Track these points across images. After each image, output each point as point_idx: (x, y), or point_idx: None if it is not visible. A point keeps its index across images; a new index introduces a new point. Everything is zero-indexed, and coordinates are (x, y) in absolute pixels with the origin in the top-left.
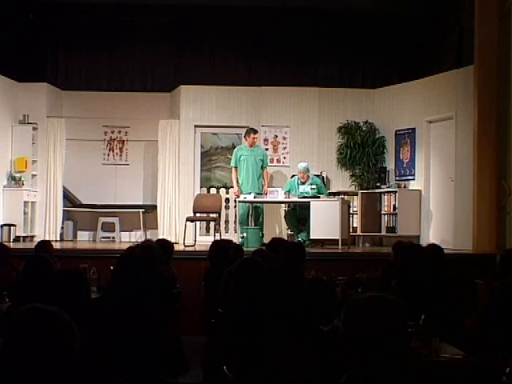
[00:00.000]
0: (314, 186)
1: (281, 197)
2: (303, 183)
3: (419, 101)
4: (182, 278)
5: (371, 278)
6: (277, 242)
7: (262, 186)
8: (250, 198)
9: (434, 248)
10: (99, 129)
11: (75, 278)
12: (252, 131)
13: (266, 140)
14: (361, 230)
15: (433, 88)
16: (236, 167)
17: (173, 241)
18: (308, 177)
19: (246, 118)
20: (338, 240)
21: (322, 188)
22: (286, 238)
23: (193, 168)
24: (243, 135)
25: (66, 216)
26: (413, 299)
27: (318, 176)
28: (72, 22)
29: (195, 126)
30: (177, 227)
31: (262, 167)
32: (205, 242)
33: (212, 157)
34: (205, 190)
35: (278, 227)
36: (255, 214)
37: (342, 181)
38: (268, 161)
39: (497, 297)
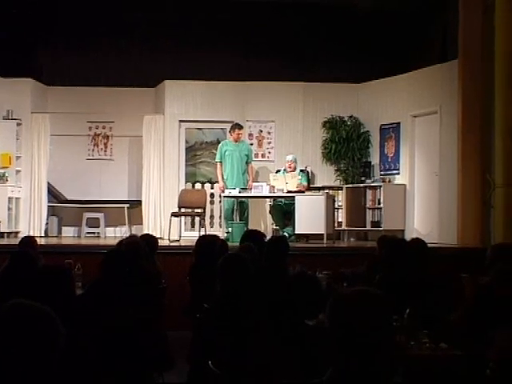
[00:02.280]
0: (299, 177)
1: (266, 191)
2: (289, 173)
3: (404, 95)
4: (167, 273)
5: (356, 273)
6: (252, 234)
7: (246, 181)
8: (235, 192)
9: (418, 242)
10: (84, 124)
11: (60, 274)
12: (237, 127)
13: (250, 135)
14: (346, 224)
15: (417, 82)
16: (221, 162)
17: (158, 236)
18: (295, 168)
19: (231, 112)
20: (323, 235)
21: (306, 180)
22: (271, 232)
23: (177, 163)
24: (228, 130)
25: (51, 212)
26: (397, 294)
27: (302, 171)
28: (57, 17)
29: (180, 121)
30: (162, 222)
31: (247, 162)
32: (190, 237)
33: (197, 152)
34: (190, 185)
35: (263, 222)
36: (240, 209)
37: (326, 175)
38: (253, 156)
39: (484, 291)
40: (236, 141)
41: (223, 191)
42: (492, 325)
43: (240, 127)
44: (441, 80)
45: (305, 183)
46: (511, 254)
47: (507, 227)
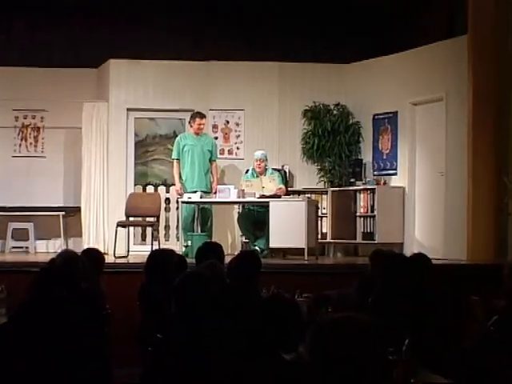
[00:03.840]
0: (273, 178)
1: (233, 196)
2: (259, 175)
3: (402, 78)
4: (112, 297)
5: (343, 295)
6: (209, 248)
7: (210, 182)
8: (196, 197)
9: (419, 258)
10: (9, 113)
11: None
12: (198, 115)
13: (215, 127)
14: (331, 236)
15: (418, 63)
16: (178, 160)
17: (101, 250)
18: (266, 168)
19: (191, 99)
20: (303, 249)
21: (281, 182)
22: (239, 246)
23: (125, 161)
24: (188, 121)
25: None
26: (394, 320)
27: (278, 170)
28: None
29: (128, 110)
30: (105, 234)
31: (211, 160)
32: (140, 252)
33: (149, 147)
34: (140, 189)
35: (230, 233)
36: (202, 217)
37: (308, 176)
38: (217, 152)
39: (499, 317)
40: (197, 133)
41: (181, 195)
42: (509, 360)
43: (202, 116)
44: (447, 60)
45: (281, 186)
46: None
47: None
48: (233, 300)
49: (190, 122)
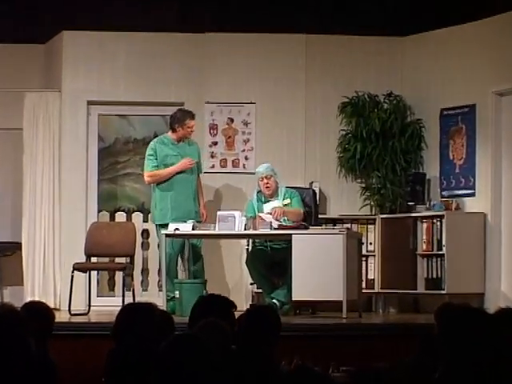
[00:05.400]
0: (288, 201)
1: (239, 226)
2: (269, 199)
3: (482, 58)
4: (65, 370)
5: (399, 369)
6: (211, 303)
7: (199, 208)
8: (187, 227)
9: (507, 315)
10: None
11: None
12: (189, 116)
13: (213, 127)
14: (381, 284)
15: (504, 35)
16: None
17: (51, 305)
18: (277, 186)
19: (179, 88)
20: (340, 303)
21: (299, 204)
22: (249, 299)
23: (84, 177)
24: (172, 121)
25: None
26: None
27: (299, 190)
28: None
29: (89, 103)
30: (57, 281)
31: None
32: (107, 306)
33: (119, 157)
34: (106, 217)
35: (233, 280)
36: (193, 256)
37: (347, 198)
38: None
39: None
40: (180, 140)
41: (192, 164)
42: None
43: (193, 116)
44: None
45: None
46: None
47: None
48: (241, 375)
49: (174, 125)
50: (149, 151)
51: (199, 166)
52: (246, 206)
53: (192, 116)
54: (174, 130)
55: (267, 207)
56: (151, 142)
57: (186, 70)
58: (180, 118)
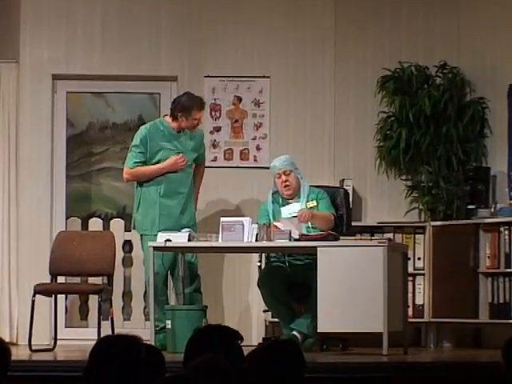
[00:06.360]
0: (314, 203)
1: (250, 235)
2: (288, 201)
3: None
4: None
5: None
6: (211, 335)
7: (194, 213)
8: (181, 239)
9: None
10: None
11: None
12: (197, 105)
13: (215, 109)
14: (432, 311)
15: None
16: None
17: (5, 338)
18: (298, 184)
19: (170, 58)
20: (380, 336)
21: (328, 207)
22: (263, 331)
23: (49, 172)
24: (174, 107)
25: None
26: None
27: (327, 190)
28: None
29: (55, 78)
30: (13, 308)
31: (198, 164)
32: (77, 341)
33: (94, 147)
34: (78, 224)
35: (241, 306)
36: (189, 274)
37: (389, 200)
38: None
39: None
40: (182, 129)
41: (183, 164)
42: None
43: (202, 106)
44: None
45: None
46: None
47: None
48: None
49: (177, 113)
50: (136, 140)
51: (200, 156)
52: (259, 211)
53: (201, 105)
54: (175, 118)
55: (286, 211)
56: (141, 128)
57: (180, 34)
58: (185, 106)
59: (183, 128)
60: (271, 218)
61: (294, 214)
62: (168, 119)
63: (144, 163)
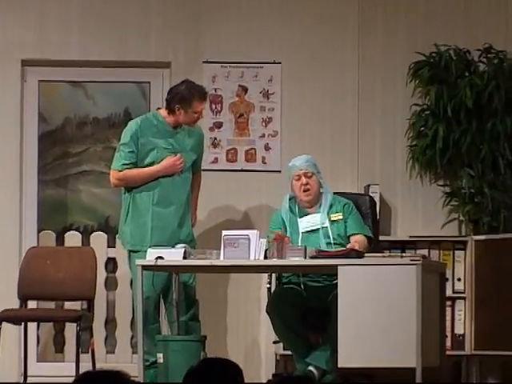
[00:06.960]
0: (339, 216)
1: (258, 252)
2: (307, 210)
3: None
4: None
5: None
6: (211, 370)
7: (191, 226)
8: (175, 256)
9: None
10: None
11: None
12: (198, 95)
13: (215, 101)
14: (475, 342)
15: None
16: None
17: None
18: (320, 190)
19: (163, 41)
20: (413, 371)
21: (360, 226)
22: (273, 366)
23: (18, 177)
24: (171, 98)
25: None
26: None
27: (348, 196)
28: None
29: (24, 64)
30: None
31: (194, 172)
32: (51, 377)
33: (71, 146)
34: (52, 239)
35: (247, 337)
36: (185, 299)
37: (423, 210)
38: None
39: None
40: (179, 125)
41: (181, 166)
42: None
43: (205, 96)
44: None
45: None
46: None
47: None
48: None
49: (174, 105)
50: (125, 138)
51: (198, 159)
52: (271, 219)
53: (203, 96)
54: (171, 111)
55: (304, 224)
56: (131, 123)
57: (173, 12)
58: (185, 97)
59: (181, 123)
60: (288, 228)
61: (314, 228)
62: (163, 112)
63: (135, 165)
